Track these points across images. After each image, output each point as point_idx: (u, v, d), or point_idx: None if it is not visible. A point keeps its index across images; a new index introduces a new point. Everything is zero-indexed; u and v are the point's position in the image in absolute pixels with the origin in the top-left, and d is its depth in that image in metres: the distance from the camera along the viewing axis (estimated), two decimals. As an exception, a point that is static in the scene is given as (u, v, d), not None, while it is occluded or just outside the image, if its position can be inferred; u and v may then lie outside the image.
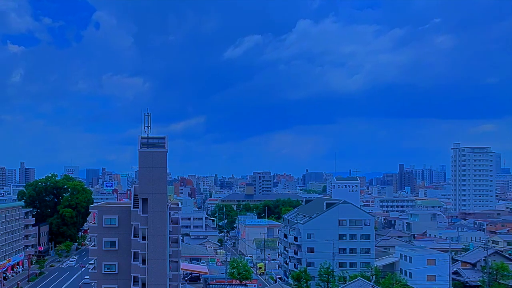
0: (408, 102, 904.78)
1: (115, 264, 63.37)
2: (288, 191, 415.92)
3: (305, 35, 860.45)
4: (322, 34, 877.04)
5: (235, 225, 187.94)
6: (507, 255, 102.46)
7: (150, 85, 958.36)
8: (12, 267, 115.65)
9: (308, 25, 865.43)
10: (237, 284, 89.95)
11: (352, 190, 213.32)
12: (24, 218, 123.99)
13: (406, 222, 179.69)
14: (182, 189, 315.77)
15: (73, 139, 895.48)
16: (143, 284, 61.52)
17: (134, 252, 61.98)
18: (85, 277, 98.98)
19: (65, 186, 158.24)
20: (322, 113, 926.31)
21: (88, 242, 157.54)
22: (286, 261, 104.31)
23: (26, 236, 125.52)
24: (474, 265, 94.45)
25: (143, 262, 61.57)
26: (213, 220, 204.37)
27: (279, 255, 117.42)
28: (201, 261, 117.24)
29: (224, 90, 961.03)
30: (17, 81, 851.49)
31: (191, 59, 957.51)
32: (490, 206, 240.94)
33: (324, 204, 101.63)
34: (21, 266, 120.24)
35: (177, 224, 67.04)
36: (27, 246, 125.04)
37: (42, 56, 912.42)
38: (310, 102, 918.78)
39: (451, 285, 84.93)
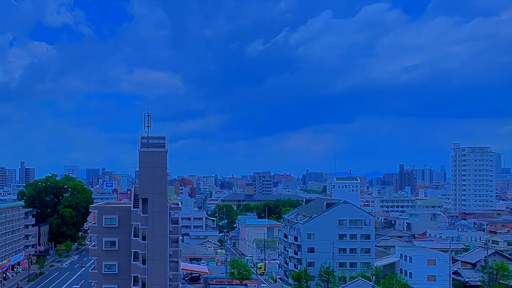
0: (443, 99, 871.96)
1: (115, 264, 63.34)
2: (288, 191, 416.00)
3: (370, 23, 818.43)
4: (388, 23, 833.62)
5: (235, 225, 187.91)
6: (507, 255, 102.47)
7: (175, 82, 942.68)
8: (12, 267, 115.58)
9: (374, 12, 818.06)
10: (237, 284, 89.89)
11: (352, 190, 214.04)
12: (24, 218, 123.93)
13: (406, 222, 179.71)
14: (182, 189, 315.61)
15: (85, 139, 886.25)
16: (143, 284, 61.51)
17: (134, 252, 61.98)
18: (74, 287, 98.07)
19: (65, 186, 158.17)
20: (343, 111, 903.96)
21: (88, 242, 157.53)
22: (286, 261, 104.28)
23: (26, 236, 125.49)
24: (474, 265, 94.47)
25: (143, 262, 61.55)
26: (213, 220, 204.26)
27: (279, 255, 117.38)
28: (201, 261, 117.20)
29: (260, 85, 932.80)
30: (32, 79, 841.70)
31: (227, 54, 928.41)
32: (490, 206, 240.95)
33: (324, 204, 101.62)
34: (21, 266, 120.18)
35: (177, 224, 67.01)
36: (27, 246, 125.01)
37: (63, 53, 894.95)
38: (339, 99, 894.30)
39: (451, 285, 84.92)
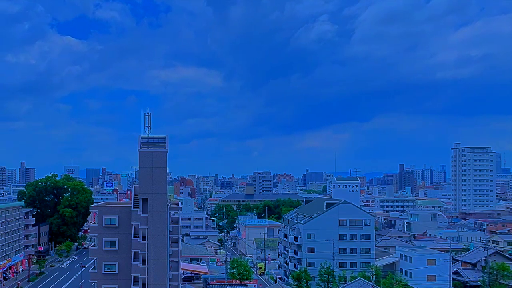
0: (485, 96, 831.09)
1: (115, 264, 63.35)
2: (288, 191, 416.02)
3: (450, 10, 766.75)
4: (470, 10, 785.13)
5: (235, 225, 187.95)
6: (507, 255, 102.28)
7: (207, 79, 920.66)
8: (12, 267, 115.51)
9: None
10: (237, 284, 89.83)
11: (352, 190, 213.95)
12: (24, 218, 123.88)
13: (406, 222, 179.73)
14: (182, 189, 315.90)
15: (99, 139, 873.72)
16: (143, 284, 61.49)
17: (134, 252, 61.97)
18: None
19: (65, 186, 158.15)
20: (366, 109, 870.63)
21: (88, 242, 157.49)
22: (286, 261, 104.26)
23: (26, 236, 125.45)
24: (474, 265, 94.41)
25: (143, 262, 61.53)
26: (213, 220, 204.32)
27: (279, 255, 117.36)
28: (201, 261, 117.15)
29: (303, 78, 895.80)
30: (56, 76, 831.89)
31: (268, 47, 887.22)
32: (490, 206, 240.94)
33: (324, 204, 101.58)
34: (21, 266, 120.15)
35: (177, 224, 67.06)
36: (27, 246, 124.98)
37: (91, 48, 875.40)
38: (374, 96, 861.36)
39: (451, 285, 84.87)
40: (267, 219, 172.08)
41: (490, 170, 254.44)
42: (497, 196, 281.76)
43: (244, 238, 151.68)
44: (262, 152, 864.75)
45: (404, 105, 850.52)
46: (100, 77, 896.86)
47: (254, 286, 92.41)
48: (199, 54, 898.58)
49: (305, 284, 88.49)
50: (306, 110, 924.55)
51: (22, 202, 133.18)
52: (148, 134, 65.79)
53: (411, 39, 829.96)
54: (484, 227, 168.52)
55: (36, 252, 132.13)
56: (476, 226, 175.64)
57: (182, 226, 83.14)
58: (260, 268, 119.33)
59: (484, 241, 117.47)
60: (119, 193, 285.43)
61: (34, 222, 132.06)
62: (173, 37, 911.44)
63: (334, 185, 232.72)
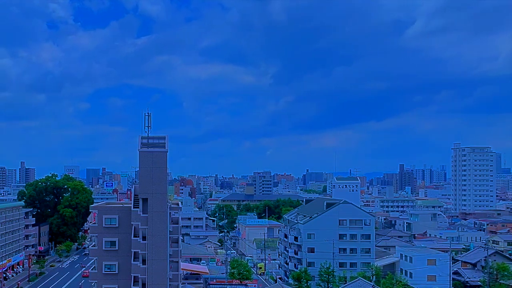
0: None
1: (115, 264, 63.38)
2: (288, 191, 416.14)
3: None
4: None
5: (235, 225, 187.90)
6: (507, 255, 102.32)
7: (236, 76, 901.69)
8: (12, 267, 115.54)
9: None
10: (237, 284, 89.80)
11: (353, 190, 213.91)
12: (25, 218, 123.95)
13: (407, 222, 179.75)
14: (182, 189, 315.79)
15: (111, 140, 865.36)
16: (143, 284, 61.50)
17: (134, 252, 61.99)
18: None
19: (65, 186, 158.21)
20: (388, 109, 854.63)
21: (87, 242, 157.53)
22: (287, 261, 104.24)
23: (26, 236, 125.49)
24: (474, 265, 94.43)
25: (143, 262, 61.55)
26: (213, 220, 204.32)
27: (279, 255, 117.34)
28: (201, 261, 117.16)
29: (347, 67, 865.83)
30: (76, 72, 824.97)
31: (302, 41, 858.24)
32: (490, 206, 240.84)
33: (324, 204, 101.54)
34: (21, 266, 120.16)
35: (177, 224, 67.05)
36: (27, 246, 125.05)
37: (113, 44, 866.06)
38: (399, 93, 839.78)
39: (451, 285, 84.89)
40: (267, 219, 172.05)
41: (490, 170, 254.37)
42: (497, 196, 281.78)
43: (244, 238, 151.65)
44: (274, 151, 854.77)
45: (423, 104, 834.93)
46: (125, 75, 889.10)
47: (254, 286, 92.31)
48: (230, 50, 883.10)
49: (305, 284, 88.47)
50: (329, 109, 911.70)
51: (22, 202, 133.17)
52: (148, 134, 65.89)
53: (470, 31, 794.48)
54: (484, 227, 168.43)
55: (36, 252, 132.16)
56: (476, 226, 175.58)
57: (182, 226, 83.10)
58: (260, 268, 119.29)
59: (484, 241, 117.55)
60: (119, 193, 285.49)
61: (34, 222, 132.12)
62: (204, 32, 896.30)
63: (334, 185, 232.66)
